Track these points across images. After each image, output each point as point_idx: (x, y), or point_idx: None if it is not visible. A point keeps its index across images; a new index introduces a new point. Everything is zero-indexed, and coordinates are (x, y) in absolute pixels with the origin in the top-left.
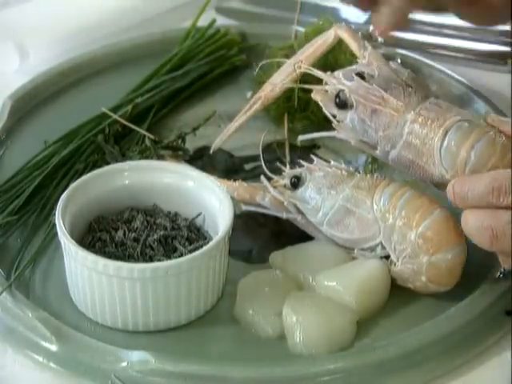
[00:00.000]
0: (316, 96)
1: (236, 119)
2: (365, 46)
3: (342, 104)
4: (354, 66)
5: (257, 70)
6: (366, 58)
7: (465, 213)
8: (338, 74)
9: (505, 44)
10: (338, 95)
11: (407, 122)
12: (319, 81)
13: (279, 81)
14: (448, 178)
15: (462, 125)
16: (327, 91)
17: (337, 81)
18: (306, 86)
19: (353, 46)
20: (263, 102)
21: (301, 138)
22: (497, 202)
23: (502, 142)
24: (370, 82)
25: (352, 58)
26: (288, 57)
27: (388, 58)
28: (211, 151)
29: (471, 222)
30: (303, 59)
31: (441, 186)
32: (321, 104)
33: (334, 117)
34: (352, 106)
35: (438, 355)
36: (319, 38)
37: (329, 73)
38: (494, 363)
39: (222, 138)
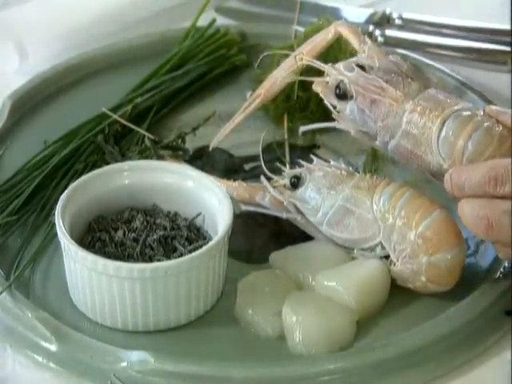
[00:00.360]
0: (317, 87)
1: (235, 117)
2: (365, 40)
3: (342, 94)
4: (354, 59)
5: (256, 64)
6: (366, 52)
7: (461, 202)
8: (339, 65)
9: (505, 44)
10: (338, 86)
11: (406, 111)
12: (319, 75)
13: (279, 76)
14: (445, 167)
15: (460, 114)
16: (328, 83)
17: (337, 72)
18: (307, 79)
19: (353, 41)
20: (262, 100)
21: (302, 128)
22: (493, 191)
23: (499, 131)
24: (370, 73)
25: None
26: (287, 57)
27: None
28: (210, 148)
29: (467, 211)
30: (306, 55)
31: (438, 175)
32: (321, 95)
33: (335, 108)
34: (352, 97)
35: (438, 355)
36: (319, 35)
37: (330, 64)
38: (494, 363)
39: (220, 136)
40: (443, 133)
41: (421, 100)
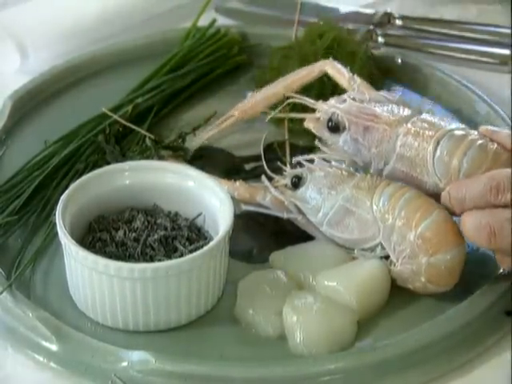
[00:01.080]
0: (308, 124)
1: (208, 130)
2: (354, 78)
3: (335, 127)
4: (345, 94)
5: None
6: (356, 89)
7: (464, 215)
8: (330, 101)
9: (505, 44)
10: (330, 119)
11: (400, 135)
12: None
13: (261, 99)
14: (442, 186)
15: (454, 134)
16: (319, 118)
17: (329, 106)
18: (297, 116)
19: (341, 80)
20: (235, 120)
21: (297, 159)
22: (495, 200)
23: (493, 148)
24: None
25: (352, 58)
26: (288, 57)
27: (389, 58)
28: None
29: (469, 221)
30: (286, 86)
31: (435, 195)
32: (313, 131)
33: (327, 143)
34: (344, 128)
35: (438, 355)
36: (304, 70)
37: (320, 101)
38: (494, 363)
39: (194, 145)
40: (438, 152)
41: (414, 123)
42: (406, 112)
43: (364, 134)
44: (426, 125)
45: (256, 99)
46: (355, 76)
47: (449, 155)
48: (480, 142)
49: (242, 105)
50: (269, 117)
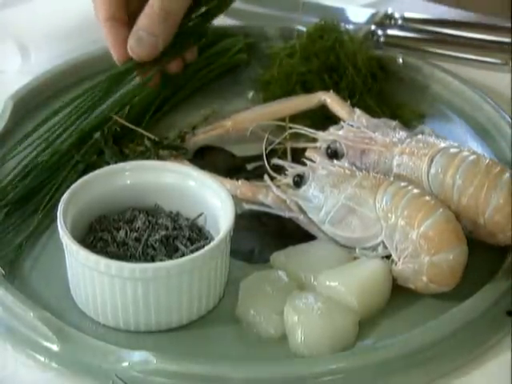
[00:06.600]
0: (310, 153)
1: (201, 132)
2: (354, 110)
3: (334, 154)
4: (342, 122)
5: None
6: (356, 119)
7: None
8: (329, 129)
9: (506, 44)
10: (328, 146)
11: (396, 155)
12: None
13: (257, 116)
14: None
15: (447, 151)
16: (320, 147)
17: (327, 134)
18: (299, 145)
19: (340, 111)
20: (229, 130)
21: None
22: None
23: (486, 161)
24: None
25: (353, 58)
26: (289, 57)
27: (389, 58)
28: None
29: None
30: (283, 109)
31: None
32: (316, 160)
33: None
34: (343, 155)
35: (440, 355)
36: (303, 98)
37: (320, 132)
38: (495, 363)
39: (191, 145)
40: (433, 170)
41: (409, 143)
42: (402, 134)
43: (361, 157)
44: (420, 144)
45: (252, 115)
46: (356, 108)
47: (443, 172)
48: (472, 157)
49: (237, 116)
50: (269, 147)
